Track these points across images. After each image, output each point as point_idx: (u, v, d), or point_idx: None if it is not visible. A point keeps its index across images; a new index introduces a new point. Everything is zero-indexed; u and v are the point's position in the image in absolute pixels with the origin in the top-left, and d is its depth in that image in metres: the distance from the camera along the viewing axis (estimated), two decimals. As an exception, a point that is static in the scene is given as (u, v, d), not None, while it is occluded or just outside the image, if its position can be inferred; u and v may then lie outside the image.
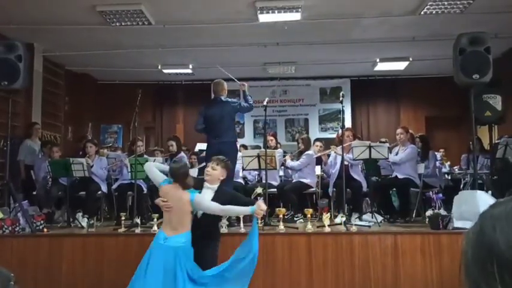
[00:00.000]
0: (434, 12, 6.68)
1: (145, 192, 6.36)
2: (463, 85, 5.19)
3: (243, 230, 4.87)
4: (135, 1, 6.36)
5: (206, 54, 8.75)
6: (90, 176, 6.18)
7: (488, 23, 6.72)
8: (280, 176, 7.03)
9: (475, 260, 0.76)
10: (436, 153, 7.16)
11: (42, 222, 5.19)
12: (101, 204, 6.63)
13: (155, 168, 3.81)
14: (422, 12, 6.69)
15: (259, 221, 5.06)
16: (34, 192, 6.52)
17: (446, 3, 6.37)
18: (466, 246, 0.79)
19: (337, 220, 5.40)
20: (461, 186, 7.08)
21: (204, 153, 7.08)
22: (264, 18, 6.84)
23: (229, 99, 5.90)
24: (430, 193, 6.42)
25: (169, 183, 3.65)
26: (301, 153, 6.57)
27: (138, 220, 5.10)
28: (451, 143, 9.93)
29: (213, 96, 6.00)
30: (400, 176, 6.18)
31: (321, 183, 6.68)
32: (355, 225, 5.13)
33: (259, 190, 5.37)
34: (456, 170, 7.96)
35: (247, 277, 3.53)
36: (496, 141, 6.85)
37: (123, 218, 5.14)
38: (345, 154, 5.76)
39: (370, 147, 5.85)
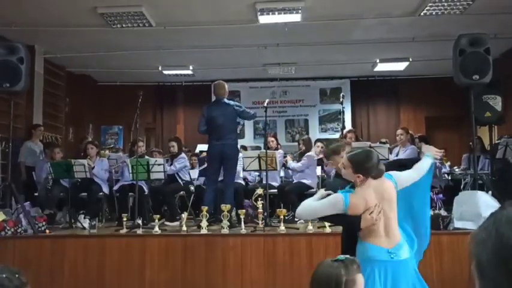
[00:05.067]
0: (434, 13, 6.70)
1: (146, 193, 6.38)
2: (463, 86, 5.21)
3: (243, 230, 4.89)
4: (135, 3, 6.37)
5: (206, 55, 8.76)
6: (91, 177, 6.20)
7: (488, 24, 6.75)
8: (280, 177, 7.05)
9: (494, 261, 0.78)
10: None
11: (44, 223, 5.22)
12: (103, 205, 6.65)
13: (313, 202, 2.69)
14: (422, 13, 6.71)
15: (260, 222, 5.09)
16: (36, 194, 6.54)
17: (446, 4, 6.38)
18: (477, 249, 0.81)
19: (338, 221, 5.40)
20: (462, 186, 7.10)
21: (204, 154, 7.11)
22: (264, 19, 6.85)
23: (232, 102, 5.94)
24: (431, 193, 6.42)
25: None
26: (302, 154, 6.58)
27: (139, 221, 5.12)
28: (451, 143, 9.93)
29: (214, 97, 6.02)
30: (400, 177, 6.19)
31: (322, 183, 6.68)
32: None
33: (259, 191, 5.39)
34: (456, 170, 7.97)
35: None
36: (496, 142, 6.87)
37: (124, 219, 5.16)
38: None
39: (370, 147, 5.87)
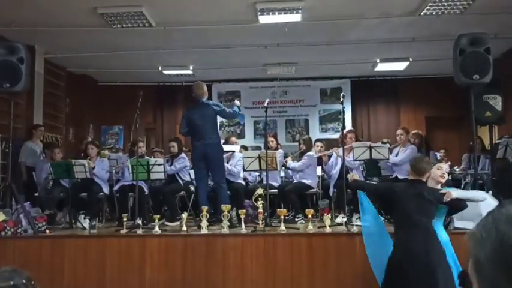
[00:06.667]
0: (434, 12, 6.69)
1: (146, 193, 6.38)
2: (463, 85, 5.21)
3: (244, 230, 4.89)
4: (136, 3, 6.37)
5: (206, 55, 8.76)
6: (91, 178, 6.20)
7: (488, 24, 6.75)
8: (281, 177, 7.04)
9: (493, 260, 0.77)
10: (436, 153, 7.17)
11: (44, 223, 5.21)
12: (103, 205, 6.65)
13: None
14: (422, 13, 6.71)
15: (260, 222, 5.08)
16: (36, 194, 6.54)
17: (446, 3, 6.38)
18: (476, 249, 0.81)
19: (338, 221, 5.41)
20: (462, 186, 7.09)
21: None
22: (264, 19, 6.85)
23: (211, 102, 6.01)
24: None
25: None
26: (302, 154, 6.58)
27: (139, 221, 5.12)
28: (451, 143, 9.92)
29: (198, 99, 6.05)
30: (400, 177, 6.18)
31: (322, 183, 6.68)
32: (356, 225, 5.15)
33: (259, 191, 5.39)
34: (457, 170, 7.97)
35: None
36: (497, 142, 6.87)
37: (124, 219, 5.15)
38: (345, 156, 5.77)
39: (370, 148, 5.88)
